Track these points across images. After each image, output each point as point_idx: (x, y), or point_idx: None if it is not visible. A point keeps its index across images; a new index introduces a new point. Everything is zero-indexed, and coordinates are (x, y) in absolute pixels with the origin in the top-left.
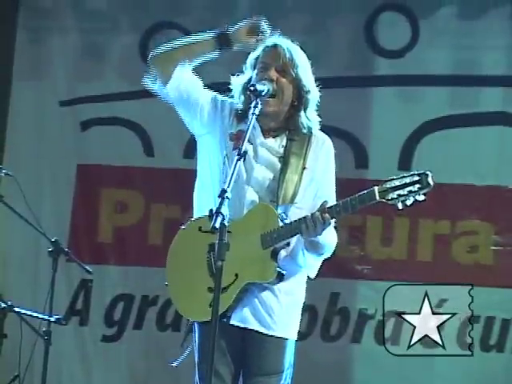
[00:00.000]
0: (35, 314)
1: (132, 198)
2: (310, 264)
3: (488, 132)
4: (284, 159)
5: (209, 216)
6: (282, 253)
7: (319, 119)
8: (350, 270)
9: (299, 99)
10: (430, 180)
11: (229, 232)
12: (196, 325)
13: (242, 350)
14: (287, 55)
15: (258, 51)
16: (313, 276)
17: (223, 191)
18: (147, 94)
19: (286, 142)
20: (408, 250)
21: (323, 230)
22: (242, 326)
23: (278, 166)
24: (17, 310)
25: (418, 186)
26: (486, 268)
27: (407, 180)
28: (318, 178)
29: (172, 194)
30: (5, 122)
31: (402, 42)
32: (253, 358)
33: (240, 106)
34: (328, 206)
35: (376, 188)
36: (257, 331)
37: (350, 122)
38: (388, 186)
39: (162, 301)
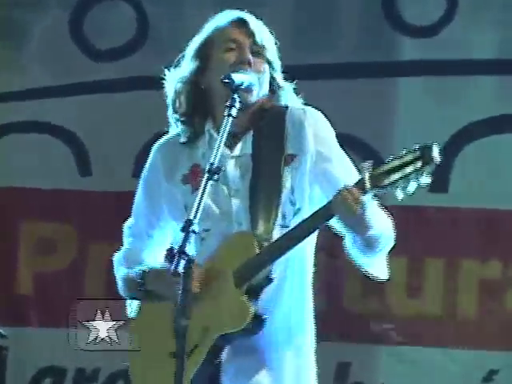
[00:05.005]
0: None
1: (61, 233)
2: (373, 264)
3: None
4: (253, 162)
5: (168, 256)
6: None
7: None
8: (365, 330)
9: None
10: (434, 153)
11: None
12: None
13: None
14: (263, 35)
15: (207, 32)
16: (386, 277)
17: (188, 222)
18: (83, 89)
19: (253, 138)
20: (444, 303)
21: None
22: None
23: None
24: None
25: (419, 163)
26: None
27: (406, 159)
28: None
29: (116, 227)
30: None
31: (434, 15)
32: None
33: (181, 130)
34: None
35: (366, 174)
36: None
37: (366, 125)
38: (382, 169)
39: (104, 375)
